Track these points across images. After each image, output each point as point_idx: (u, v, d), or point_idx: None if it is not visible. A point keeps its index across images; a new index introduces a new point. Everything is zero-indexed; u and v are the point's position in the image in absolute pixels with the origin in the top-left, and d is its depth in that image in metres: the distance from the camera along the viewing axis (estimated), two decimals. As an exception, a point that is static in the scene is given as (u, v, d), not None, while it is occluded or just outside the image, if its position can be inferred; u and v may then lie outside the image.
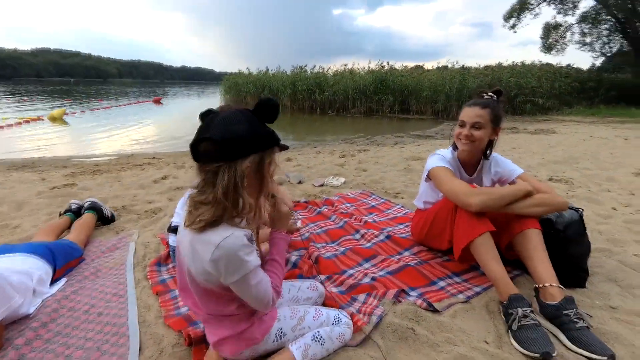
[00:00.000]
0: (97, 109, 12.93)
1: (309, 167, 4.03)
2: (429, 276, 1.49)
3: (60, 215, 2.14)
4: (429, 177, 1.58)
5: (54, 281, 1.45)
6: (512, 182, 1.50)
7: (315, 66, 15.98)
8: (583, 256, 1.44)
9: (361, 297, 1.32)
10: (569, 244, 1.39)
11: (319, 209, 2.40)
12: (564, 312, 1.11)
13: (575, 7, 15.97)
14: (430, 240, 1.67)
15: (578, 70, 14.71)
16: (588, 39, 16.64)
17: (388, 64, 14.71)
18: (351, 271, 1.56)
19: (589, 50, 17.03)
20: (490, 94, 1.47)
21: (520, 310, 1.12)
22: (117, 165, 4.55)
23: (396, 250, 1.76)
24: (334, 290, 1.39)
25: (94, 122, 9.59)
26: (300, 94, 14.01)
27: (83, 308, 1.28)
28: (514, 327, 1.11)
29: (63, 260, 1.52)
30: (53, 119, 9.57)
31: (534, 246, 1.28)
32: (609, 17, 15.32)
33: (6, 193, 3.06)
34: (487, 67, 14.45)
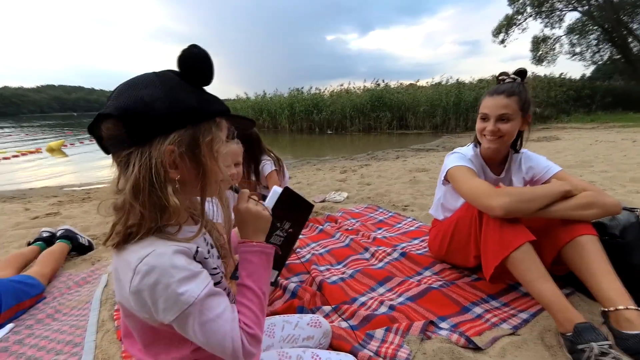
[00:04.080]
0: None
1: (309, 184, 3.80)
2: (460, 301, 1.21)
3: (28, 244, 1.88)
4: (446, 180, 1.33)
5: (-3, 328, 1.17)
6: (547, 182, 1.25)
7: (311, 87, 16.21)
8: (649, 267, 1.16)
9: (379, 333, 1.04)
10: (631, 252, 1.12)
11: (320, 227, 2.13)
12: (653, 344, 0.83)
13: (561, 20, 16.37)
14: (453, 256, 1.40)
15: (571, 79, 14.84)
16: (578, 49, 16.92)
17: (383, 81, 14.89)
18: (363, 298, 1.28)
19: (579, 60, 17.29)
20: (512, 76, 1.26)
21: (595, 346, 0.84)
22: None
23: (414, 270, 1.48)
24: (344, 325, 1.10)
25: (92, 152, 9.47)
26: (298, 115, 14.07)
27: (24, 364, 1.00)
28: (590, 369, 0.82)
29: (12, 300, 1.25)
30: (51, 151, 9.48)
31: (593, 257, 1.01)
32: (595, 27, 15.64)
33: (-20, 225, 2.81)
34: (481, 80, 14.62)
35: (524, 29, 17.05)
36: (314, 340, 0.92)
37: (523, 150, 1.34)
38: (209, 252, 0.63)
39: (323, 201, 2.86)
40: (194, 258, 0.56)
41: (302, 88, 15.91)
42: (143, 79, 0.53)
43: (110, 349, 1.06)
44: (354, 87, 15.47)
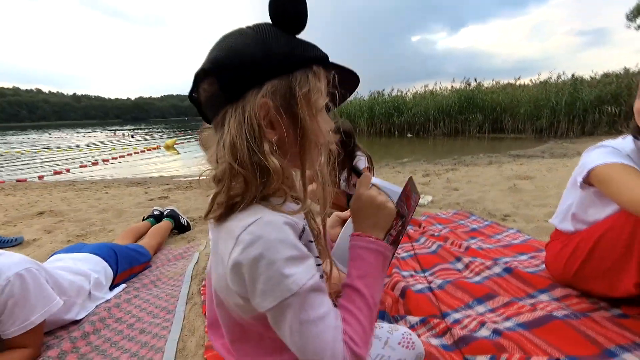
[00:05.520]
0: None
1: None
2: (600, 341, 0.90)
3: (143, 219, 2.21)
4: (588, 182, 1.02)
5: (114, 285, 1.37)
6: None
7: (393, 89, 15.70)
8: None
9: (481, 360, 0.84)
10: None
11: (402, 229, 1.95)
12: None
13: None
14: (588, 281, 1.07)
15: None
16: None
17: (475, 80, 13.45)
18: (457, 315, 1.08)
19: None
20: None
21: None
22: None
23: (525, 292, 1.19)
24: (434, 342, 0.93)
25: (197, 149, 11.05)
26: (378, 117, 13.78)
27: (129, 321, 1.12)
28: None
29: (126, 265, 1.45)
30: (167, 147, 11.42)
31: None
32: None
33: (114, 203, 3.49)
34: (607, 75, 11.86)
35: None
36: None
37: None
38: (312, 237, 0.54)
39: (417, 195, 2.65)
40: (300, 237, 0.47)
41: (383, 90, 15.55)
42: (235, 30, 0.49)
43: (196, 321, 1.12)
44: (440, 88, 14.39)
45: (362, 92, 16.64)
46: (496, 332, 0.95)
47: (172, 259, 1.71)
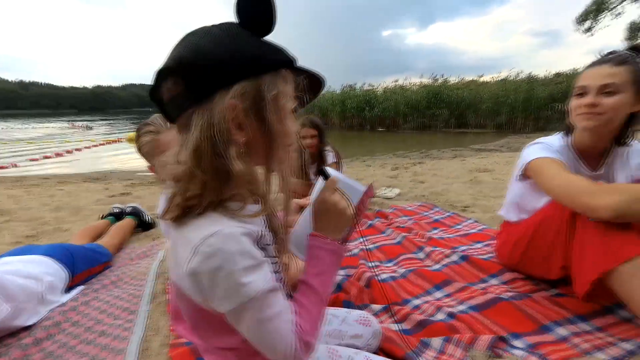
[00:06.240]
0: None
1: (358, 180, 3.67)
2: (537, 318, 1.01)
3: (100, 218, 2.10)
4: (525, 175, 1.13)
5: (71, 288, 1.30)
6: None
7: (364, 83, 15.92)
8: None
9: (436, 342, 0.91)
10: None
11: (370, 222, 2.02)
12: None
13: (670, 0, 13.65)
14: (530, 266, 1.18)
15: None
16: (691, 36, 13.96)
17: (442, 76, 14.00)
18: (416, 301, 1.15)
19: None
20: (626, 51, 1.00)
21: None
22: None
23: (478, 277, 1.30)
24: (394, 327, 0.99)
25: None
26: (350, 111, 13.93)
27: (87, 324, 1.08)
28: None
29: (84, 265, 1.38)
30: (130, 140, 10.81)
31: None
32: None
33: (70, 200, 3.25)
34: (558, 75, 12.86)
35: (617, 14, 14.59)
36: (363, 340, 0.83)
37: (633, 142, 1.07)
38: (269, 238, 0.56)
39: (373, 197, 2.73)
40: (257, 243, 0.49)
41: (355, 84, 15.71)
42: (200, 29, 0.48)
43: (161, 321, 1.09)
44: (409, 84, 14.81)
45: (335, 85, 16.73)
46: (450, 315, 1.03)
47: (136, 258, 1.65)
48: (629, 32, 15.10)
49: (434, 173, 3.94)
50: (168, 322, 1.08)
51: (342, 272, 1.38)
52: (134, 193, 3.53)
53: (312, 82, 0.54)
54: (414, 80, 14.85)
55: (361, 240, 1.74)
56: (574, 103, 1.04)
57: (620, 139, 1.06)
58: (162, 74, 0.47)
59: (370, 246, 1.66)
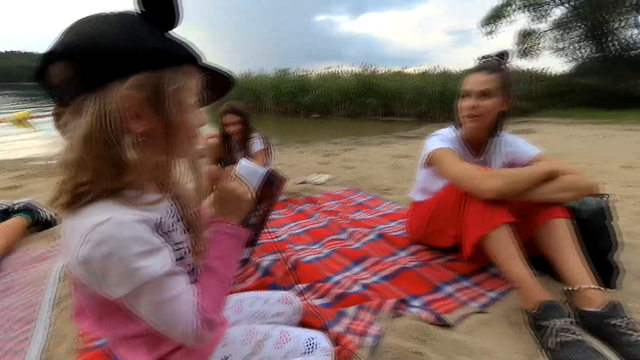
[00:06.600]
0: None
1: (290, 166, 3.74)
2: (432, 280, 1.22)
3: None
4: (428, 163, 1.32)
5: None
6: (529, 164, 1.26)
7: (298, 69, 15.83)
8: (612, 250, 1.20)
9: (350, 310, 1.03)
10: (597, 236, 1.16)
11: (299, 207, 2.10)
12: (611, 321, 0.86)
13: (548, 14, 16.57)
14: (431, 238, 1.40)
15: (552, 75, 15.20)
16: (561, 45, 17.25)
17: (372, 67, 14.71)
18: (337, 277, 1.27)
19: (561, 56, 17.66)
20: (495, 57, 1.24)
21: (557, 322, 0.86)
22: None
23: (390, 251, 1.48)
24: (317, 302, 1.09)
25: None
26: (284, 96, 13.76)
27: (-33, 342, 0.92)
28: (551, 344, 0.85)
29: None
30: (18, 122, 8.89)
31: (564, 239, 1.03)
32: (579, 25, 15.96)
33: None
34: (468, 71, 14.70)
35: (512, 22, 17.17)
36: (284, 317, 0.89)
37: (503, 133, 1.33)
38: (173, 225, 0.57)
39: (304, 182, 2.82)
40: (157, 230, 0.50)
41: (289, 69, 15.52)
42: (97, 15, 0.46)
43: (66, 327, 1.00)
44: (341, 71, 15.22)
45: (268, 69, 16.25)
46: (365, 286, 1.17)
47: (31, 261, 1.43)
48: (518, 37, 17.94)
49: (362, 159, 4.22)
50: (76, 327, 0.99)
51: (270, 257, 1.42)
52: (26, 186, 2.98)
53: (219, 80, 0.56)
54: (346, 68, 15.30)
55: (290, 225, 1.81)
56: (460, 104, 1.25)
57: (494, 131, 1.31)
58: (49, 58, 0.44)
59: (298, 230, 1.74)
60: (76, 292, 0.55)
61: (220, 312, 0.56)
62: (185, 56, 0.50)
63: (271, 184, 0.69)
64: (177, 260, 0.54)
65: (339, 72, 15.16)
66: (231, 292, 1.00)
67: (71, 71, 0.44)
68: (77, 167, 0.45)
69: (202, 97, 0.54)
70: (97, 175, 0.45)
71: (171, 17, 0.47)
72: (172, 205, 0.59)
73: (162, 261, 0.48)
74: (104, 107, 0.43)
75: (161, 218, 0.51)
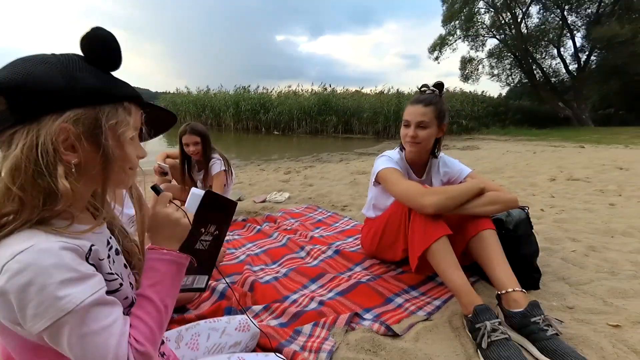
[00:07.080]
0: None
1: (251, 185, 3.71)
2: (384, 293, 1.29)
3: None
4: (377, 181, 1.43)
5: None
6: (462, 182, 1.42)
7: (258, 86, 15.94)
8: (534, 256, 1.38)
9: (306, 328, 1.06)
10: (521, 244, 1.33)
11: (259, 227, 2.10)
12: (532, 319, 0.99)
13: (483, 44, 18.75)
14: (383, 252, 1.49)
15: (490, 97, 17.07)
16: (496, 71, 19.50)
17: (330, 86, 15.29)
18: (294, 296, 1.29)
19: (497, 81, 19.94)
20: (432, 88, 1.40)
21: (488, 324, 0.97)
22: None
23: (346, 267, 1.54)
24: (274, 323, 1.10)
25: None
26: (244, 113, 13.70)
27: None
28: (484, 344, 0.95)
29: None
30: None
31: (492, 249, 1.17)
32: (509, 54, 18.22)
33: None
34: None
35: (454, 49, 19.08)
36: (241, 346, 0.88)
37: (441, 155, 1.49)
38: (109, 256, 0.56)
39: (264, 201, 2.82)
40: (87, 258, 0.48)
41: (249, 86, 15.56)
42: (38, 56, 0.48)
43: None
44: (302, 90, 15.59)
45: (228, 86, 16.13)
46: (321, 302, 1.21)
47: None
48: (461, 63, 19.94)
49: (322, 176, 4.31)
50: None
51: (227, 279, 1.41)
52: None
53: (163, 116, 0.61)
54: (306, 87, 15.75)
55: (248, 246, 1.80)
56: (403, 132, 1.40)
57: (433, 154, 1.46)
58: None
59: (257, 250, 1.74)
60: (2, 333, 0.51)
61: (156, 345, 0.54)
62: (123, 95, 0.53)
63: (217, 206, 0.70)
64: (112, 292, 0.52)
65: (299, 91, 15.51)
66: (186, 321, 0.98)
67: (3, 105, 0.45)
68: (2, 198, 0.46)
69: (148, 132, 0.57)
70: (23, 205, 0.46)
71: (112, 61, 0.52)
72: (111, 237, 0.59)
73: (90, 290, 0.46)
74: (35, 139, 0.45)
75: (92, 246, 0.50)
